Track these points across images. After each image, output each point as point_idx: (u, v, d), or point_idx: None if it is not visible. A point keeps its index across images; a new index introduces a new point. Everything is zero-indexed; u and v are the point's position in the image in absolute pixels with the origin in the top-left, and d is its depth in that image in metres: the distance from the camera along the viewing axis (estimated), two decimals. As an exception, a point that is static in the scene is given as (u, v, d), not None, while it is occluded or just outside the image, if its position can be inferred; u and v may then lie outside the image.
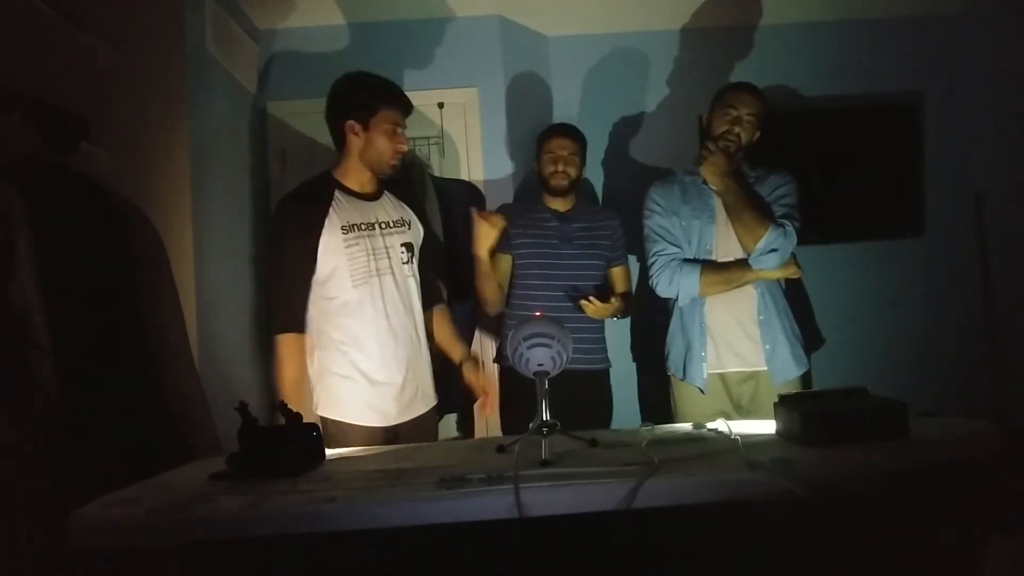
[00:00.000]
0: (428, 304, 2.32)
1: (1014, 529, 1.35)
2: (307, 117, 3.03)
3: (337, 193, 2.14)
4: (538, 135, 2.65)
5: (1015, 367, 3.13)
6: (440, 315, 2.39)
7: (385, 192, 2.26)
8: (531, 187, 2.93)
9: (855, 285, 3.27)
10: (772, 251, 2.24)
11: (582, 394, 2.40)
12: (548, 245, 2.51)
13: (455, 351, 2.37)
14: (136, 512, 1.26)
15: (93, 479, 1.42)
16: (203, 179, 2.40)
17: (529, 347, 1.57)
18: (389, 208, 2.24)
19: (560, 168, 2.52)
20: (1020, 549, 1.34)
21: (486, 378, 2.40)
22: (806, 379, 2.43)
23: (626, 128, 3.31)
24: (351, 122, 2.13)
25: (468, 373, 2.33)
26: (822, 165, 3.04)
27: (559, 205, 2.58)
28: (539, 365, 1.57)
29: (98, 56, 2.06)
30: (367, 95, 2.15)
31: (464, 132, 3.11)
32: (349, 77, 2.20)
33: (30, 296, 1.53)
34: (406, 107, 2.19)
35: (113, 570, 1.29)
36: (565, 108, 3.29)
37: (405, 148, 2.19)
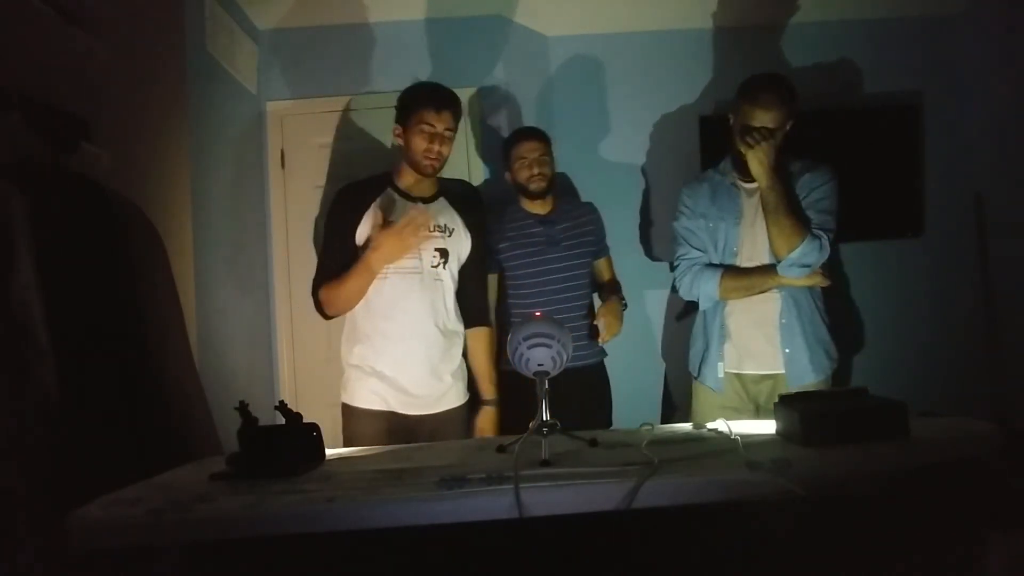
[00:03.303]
0: (468, 323, 2.36)
1: (1014, 529, 1.35)
2: (307, 117, 3.04)
3: (388, 190, 2.27)
4: (503, 143, 2.64)
5: (1015, 367, 3.13)
6: (476, 339, 2.38)
7: (442, 198, 2.34)
8: (500, 195, 2.82)
9: (855, 285, 3.27)
10: (804, 265, 2.18)
11: (578, 392, 2.40)
12: (536, 252, 2.49)
13: (482, 386, 2.37)
14: (136, 512, 1.26)
15: (93, 479, 1.42)
16: (203, 179, 2.40)
17: (529, 347, 1.57)
18: (436, 213, 2.29)
19: (536, 171, 2.49)
20: (1020, 549, 1.34)
21: (489, 433, 2.35)
22: (842, 382, 2.40)
23: (626, 128, 3.31)
24: (395, 126, 2.27)
25: (481, 417, 2.35)
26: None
27: (539, 208, 2.56)
28: (539, 365, 1.57)
29: (98, 56, 2.06)
30: (407, 99, 2.27)
31: (464, 132, 3.11)
32: (407, 88, 2.33)
33: (30, 296, 1.53)
34: (440, 104, 2.21)
35: (113, 570, 1.29)
36: (565, 108, 3.29)
37: (436, 147, 2.21)
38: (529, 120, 3.09)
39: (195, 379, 2.06)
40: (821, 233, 2.19)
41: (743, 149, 2.21)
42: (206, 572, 1.34)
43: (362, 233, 2.21)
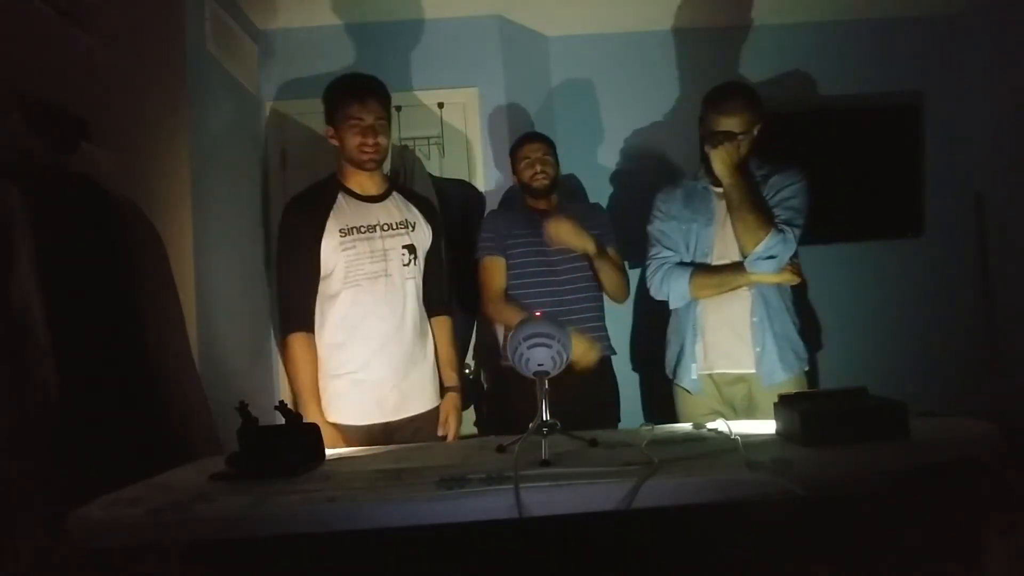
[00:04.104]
0: (429, 312, 2.30)
1: (1014, 529, 1.35)
2: (307, 117, 3.03)
3: (340, 196, 2.19)
4: (510, 148, 2.66)
5: (1015, 367, 3.13)
6: (438, 327, 2.33)
7: (394, 193, 2.29)
8: (513, 200, 2.89)
9: (855, 285, 3.27)
10: (770, 257, 2.21)
11: (586, 384, 2.40)
12: (537, 245, 2.51)
13: (445, 373, 2.32)
14: (136, 512, 1.26)
15: (93, 479, 1.42)
16: (203, 179, 2.40)
17: (529, 347, 1.57)
18: (393, 209, 2.24)
19: (538, 169, 2.55)
20: (1020, 549, 1.34)
21: (456, 417, 2.30)
22: (810, 382, 2.42)
23: (626, 128, 3.31)
24: (327, 127, 2.18)
25: (444, 404, 2.30)
26: (822, 165, 3.03)
27: (543, 205, 2.60)
28: (539, 365, 1.57)
29: (98, 56, 2.06)
30: (331, 98, 2.18)
31: (464, 132, 3.11)
32: (327, 86, 2.22)
33: (30, 296, 1.53)
34: (364, 95, 2.12)
35: (113, 570, 1.29)
36: (565, 108, 3.29)
37: (371, 139, 2.12)
38: (528, 122, 3.10)
39: (195, 379, 2.06)
40: (786, 227, 2.23)
41: (707, 150, 2.29)
42: (206, 572, 1.34)
43: (325, 247, 2.12)
